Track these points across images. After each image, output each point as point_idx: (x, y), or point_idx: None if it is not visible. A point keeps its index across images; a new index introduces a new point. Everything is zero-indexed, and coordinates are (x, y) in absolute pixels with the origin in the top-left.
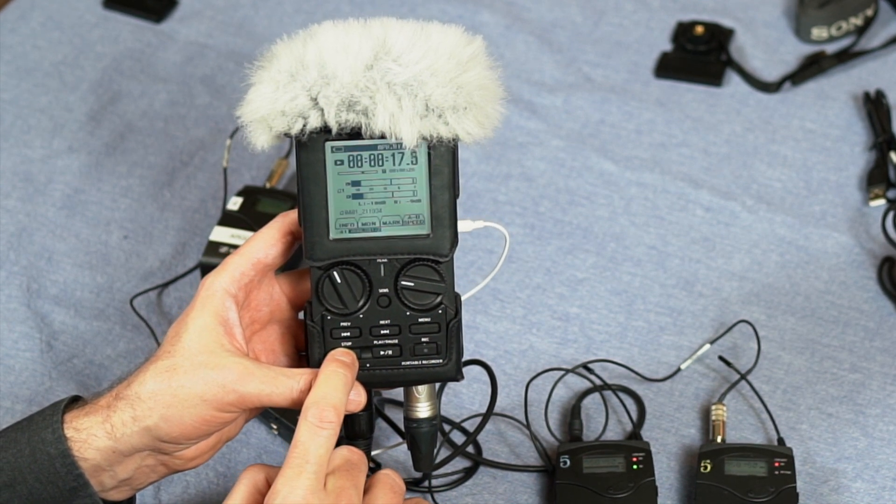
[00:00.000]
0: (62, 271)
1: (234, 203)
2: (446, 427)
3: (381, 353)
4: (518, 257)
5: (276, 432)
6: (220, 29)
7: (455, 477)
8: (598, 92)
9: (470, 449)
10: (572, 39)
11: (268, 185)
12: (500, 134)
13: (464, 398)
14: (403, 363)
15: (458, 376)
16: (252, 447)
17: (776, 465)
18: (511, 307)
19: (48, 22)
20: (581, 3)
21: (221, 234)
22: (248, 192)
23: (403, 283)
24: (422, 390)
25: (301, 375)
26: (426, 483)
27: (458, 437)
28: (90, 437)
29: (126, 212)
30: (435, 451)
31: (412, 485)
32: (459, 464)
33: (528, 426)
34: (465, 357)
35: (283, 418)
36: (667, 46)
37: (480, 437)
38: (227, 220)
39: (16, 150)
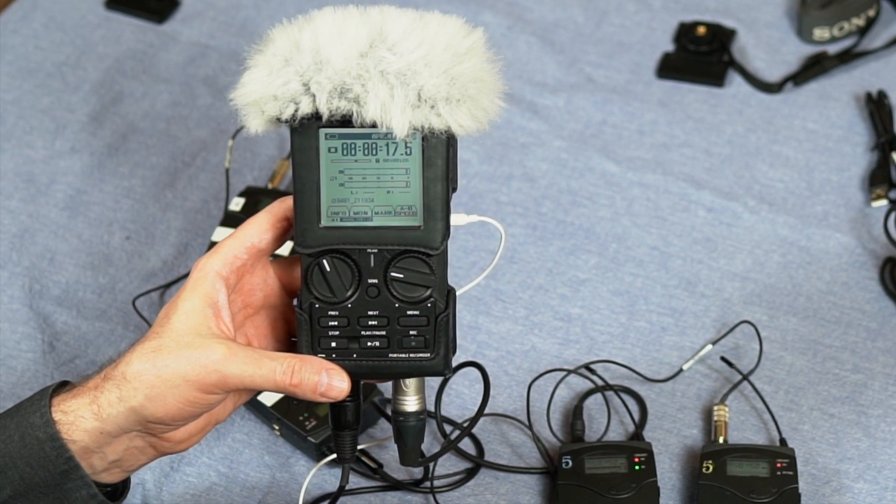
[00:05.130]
0: (64, 272)
1: (237, 204)
2: (448, 428)
3: (369, 344)
4: (520, 258)
5: (277, 433)
6: (221, 30)
7: (457, 477)
8: (599, 92)
9: (472, 450)
10: (574, 40)
11: (270, 186)
12: (502, 135)
13: (466, 399)
14: (391, 355)
15: (445, 371)
16: (254, 448)
17: (778, 465)
18: (513, 308)
19: (50, 23)
20: (583, 3)
21: (223, 234)
22: (250, 193)
23: (393, 274)
24: (409, 384)
25: (285, 359)
26: (427, 483)
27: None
28: (77, 418)
29: (128, 212)
30: (422, 445)
31: (413, 485)
32: (461, 464)
33: (530, 427)
34: (466, 357)
35: (284, 419)
36: (669, 47)
37: (482, 438)
38: (230, 220)
39: (18, 150)
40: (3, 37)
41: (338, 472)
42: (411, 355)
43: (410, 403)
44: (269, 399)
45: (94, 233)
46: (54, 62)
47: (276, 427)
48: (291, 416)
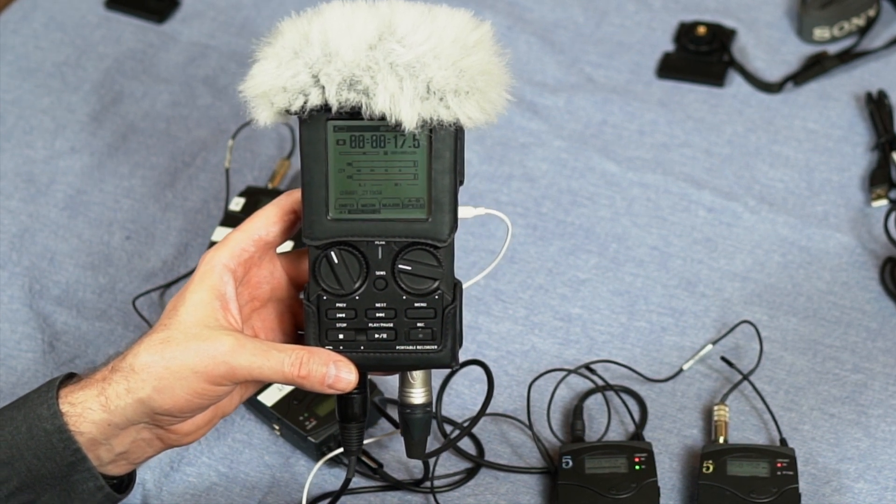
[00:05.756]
0: (64, 272)
1: (237, 204)
2: (448, 428)
3: (376, 336)
4: (520, 258)
5: (278, 433)
6: (222, 29)
7: (457, 477)
8: (600, 92)
9: (472, 450)
10: (574, 40)
11: (270, 186)
12: (502, 134)
13: (466, 399)
14: (398, 347)
15: (452, 363)
16: (254, 447)
17: (778, 465)
18: (513, 308)
19: (50, 23)
20: (583, 3)
21: (223, 234)
22: (250, 193)
23: (401, 266)
24: (416, 376)
25: (293, 351)
26: (428, 483)
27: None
28: (85, 410)
29: (128, 212)
30: (428, 437)
31: (413, 485)
32: (461, 464)
33: (530, 427)
34: (467, 357)
35: (284, 419)
36: (669, 47)
37: (483, 438)
38: (230, 220)
39: (18, 150)
40: (3, 37)
41: (338, 472)
42: (418, 347)
43: (417, 396)
44: (269, 399)
45: (94, 233)
46: (54, 62)
47: (276, 427)
48: (291, 416)
